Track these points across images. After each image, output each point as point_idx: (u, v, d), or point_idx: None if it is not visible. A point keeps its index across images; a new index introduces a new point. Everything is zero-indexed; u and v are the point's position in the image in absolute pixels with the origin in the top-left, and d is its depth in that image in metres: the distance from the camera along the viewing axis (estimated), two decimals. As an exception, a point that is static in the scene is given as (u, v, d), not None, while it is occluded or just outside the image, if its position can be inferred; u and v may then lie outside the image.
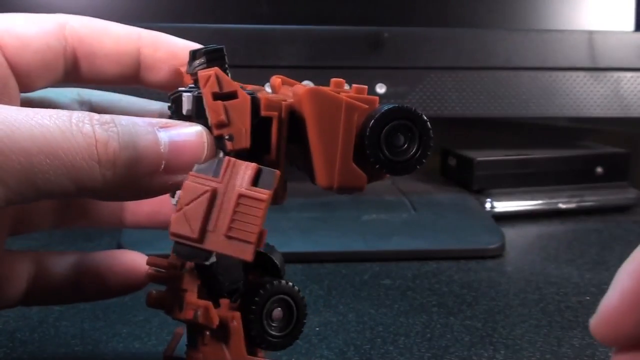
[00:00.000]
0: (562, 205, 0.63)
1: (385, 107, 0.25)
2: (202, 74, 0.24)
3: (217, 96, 0.24)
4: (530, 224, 0.60)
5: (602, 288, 0.43)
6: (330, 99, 0.25)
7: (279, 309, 0.26)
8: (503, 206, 0.61)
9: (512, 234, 0.56)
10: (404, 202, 0.59)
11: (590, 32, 0.63)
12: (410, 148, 0.25)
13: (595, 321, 0.21)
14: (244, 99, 0.24)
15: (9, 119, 0.21)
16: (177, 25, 0.57)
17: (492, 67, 0.62)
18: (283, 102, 0.25)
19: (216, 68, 0.25)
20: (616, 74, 0.63)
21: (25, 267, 0.30)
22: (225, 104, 0.24)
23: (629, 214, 0.64)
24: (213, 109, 0.24)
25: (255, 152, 0.25)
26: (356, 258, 0.49)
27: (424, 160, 0.25)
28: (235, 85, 0.25)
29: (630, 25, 0.66)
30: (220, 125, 0.24)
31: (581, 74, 0.63)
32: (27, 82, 0.28)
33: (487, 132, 0.77)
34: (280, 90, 0.29)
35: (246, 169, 0.24)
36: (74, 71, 0.29)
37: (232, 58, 0.27)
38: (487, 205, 0.61)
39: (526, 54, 0.62)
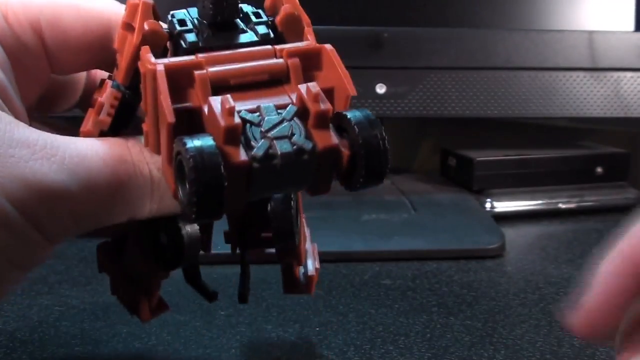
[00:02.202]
0: (562, 205, 0.62)
1: None
2: (129, 1, 0.24)
3: (127, 26, 0.24)
4: (530, 224, 0.60)
5: (602, 288, 0.43)
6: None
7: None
8: (503, 206, 0.61)
9: (512, 234, 0.56)
10: (404, 202, 0.59)
11: (590, 32, 0.63)
12: None
13: (577, 320, 0.22)
14: (132, 39, 0.24)
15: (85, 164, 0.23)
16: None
17: (492, 67, 0.62)
18: (154, 65, 0.22)
19: (147, 1, 0.24)
20: (616, 74, 0.63)
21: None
22: (127, 34, 0.24)
23: (629, 214, 0.64)
24: (117, 35, 0.25)
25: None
26: (356, 258, 0.49)
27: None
28: (146, 23, 0.24)
29: (630, 25, 0.66)
30: (116, 51, 0.25)
31: (581, 74, 0.63)
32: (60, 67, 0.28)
33: (487, 132, 0.77)
34: None
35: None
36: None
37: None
38: (487, 205, 0.61)
39: (526, 54, 0.62)
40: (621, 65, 0.63)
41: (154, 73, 0.22)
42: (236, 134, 0.21)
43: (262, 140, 0.21)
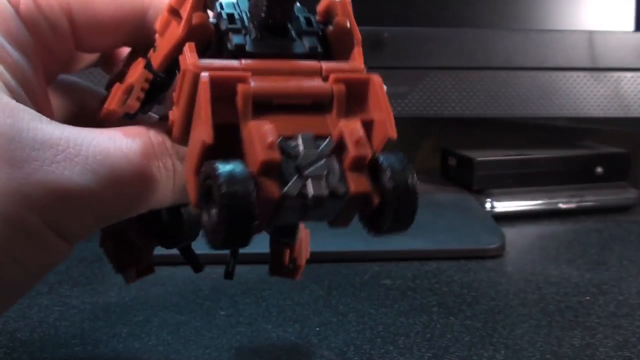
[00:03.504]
0: (562, 205, 0.63)
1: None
2: None
3: (173, 10, 0.23)
4: (530, 224, 0.60)
5: (602, 288, 0.43)
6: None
7: None
8: (503, 206, 0.61)
9: (512, 234, 0.56)
10: (404, 202, 0.59)
11: (590, 32, 0.63)
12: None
13: None
14: (177, 29, 0.23)
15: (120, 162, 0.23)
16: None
17: (492, 67, 0.62)
18: (197, 68, 0.22)
19: None
20: (616, 74, 0.63)
21: None
22: (172, 20, 0.23)
23: (629, 214, 0.64)
24: (161, 17, 0.24)
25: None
26: (356, 258, 0.49)
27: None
28: (194, 16, 0.23)
29: (630, 25, 0.66)
30: (156, 32, 0.24)
31: (581, 74, 0.63)
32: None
33: (487, 132, 0.77)
34: None
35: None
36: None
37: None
38: (487, 205, 0.61)
39: (526, 54, 0.62)
40: (621, 65, 0.63)
41: (195, 77, 0.21)
42: (273, 168, 0.20)
43: (297, 177, 0.21)
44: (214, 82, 0.21)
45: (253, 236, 0.20)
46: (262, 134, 0.20)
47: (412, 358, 0.33)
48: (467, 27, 0.63)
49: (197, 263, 0.32)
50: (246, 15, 0.23)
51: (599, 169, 0.65)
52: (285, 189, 0.20)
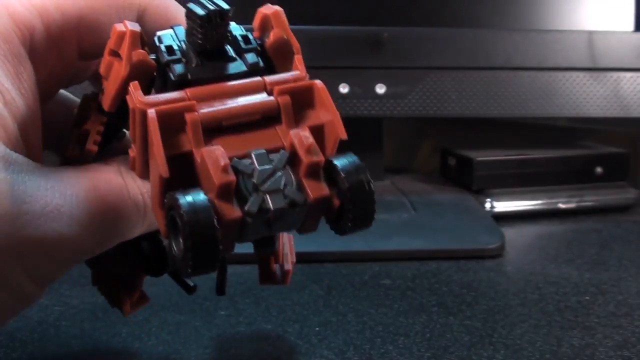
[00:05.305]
0: (561, 205, 0.63)
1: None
2: (116, 28, 0.24)
3: (113, 52, 0.24)
4: (530, 224, 0.60)
5: (601, 288, 0.43)
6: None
7: None
8: (503, 206, 0.61)
9: (512, 234, 0.56)
10: (404, 202, 0.59)
11: (590, 32, 0.63)
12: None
13: None
14: (120, 69, 0.24)
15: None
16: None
17: (492, 67, 0.62)
18: (144, 105, 0.22)
19: (134, 29, 0.23)
20: (616, 74, 0.63)
21: None
22: (114, 62, 0.24)
23: (628, 214, 0.64)
24: (103, 61, 0.24)
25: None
26: (356, 258, 0.49)
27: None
28: (134, 54, 0.23)
29: (630, 25, 0.66)
30: (101, 76, 0.25)
31: (581, 74, 0.63)
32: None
33: (487, 132, 0.77)
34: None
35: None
36: None
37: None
38: (487, 205, 0.61)
39: (526, 54, 0.62)
40: (621, 65, 0.63)
41: (144, 113, 0.22)
42: (230, 190, 0.21)
43: (255, 195, 0.21)
44: (162, 116, 0.22)
45: (220, 259, 0.21)
46: (214, 160, 0.21)
47: (412, 358, 0.33)
48: (467, 27, 0.63)
49: (188, 287, 0.32)
50: (185, 44, 0.24)
51: (599, 169, 0.65)
52: (246, 207, 0.21)
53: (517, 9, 0.66)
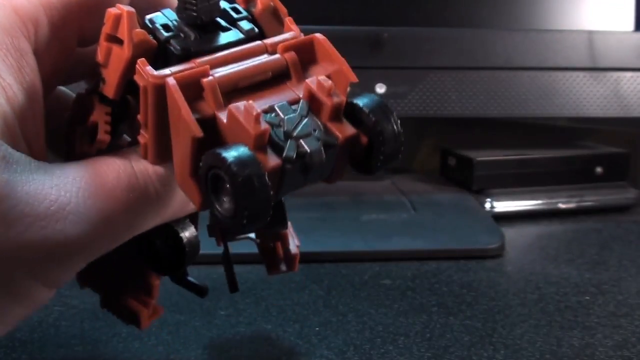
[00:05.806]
0: (561, 205, 0.63)
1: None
2: (111, 12, 0.23)
3: (110, 38, 0.24)
4: (530, 224, 0.60)
5: (601, 288, 0.43)
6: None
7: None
8: (503, 206, 0.61)
9: (512, 234, 0.56)
10: (404, 202, 0.59)
11: (590, 32, 0.63)
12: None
13: None
14: (122, 52, 0.23)
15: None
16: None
17: (492, 67, 0.62)
18: (159, 79, 0.22)
19: (130, 10, 0.23)
20: (616, 74, 0.63)
21: None
22: (112, 47, 0.24)
23: (628, 214, 0.64)
24: (100, 48, 0.24)
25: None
26: (356, 258, 0.49)
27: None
28: (134, 34, 0.23)
29: (630, 25, 0.66)
30: (98, 65, 0.24)
31: (581, 74, 0.63)
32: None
33: (487, 132, 0.77)
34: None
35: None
36: None
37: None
38: (487, 205, 0.61)
39: (526, 54, 0.62)
40: (621, 65, 0.63)
41: (159, 88, 0.22)
42: (265, 140, 0.21)
43: (290, 140, 0.21)
44: (181, 84, 0.22)
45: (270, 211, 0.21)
46: (245, 112, 0.21)
47: (412, 358, 0.33)
48: (467, 27, 0.63)
49: (199, 288, 0.32)
50: (177, 22, 0.24)
51: (599, 169, 0.65)
52: (284, 153, 0.21)
53: (517, 9, 0.66)
